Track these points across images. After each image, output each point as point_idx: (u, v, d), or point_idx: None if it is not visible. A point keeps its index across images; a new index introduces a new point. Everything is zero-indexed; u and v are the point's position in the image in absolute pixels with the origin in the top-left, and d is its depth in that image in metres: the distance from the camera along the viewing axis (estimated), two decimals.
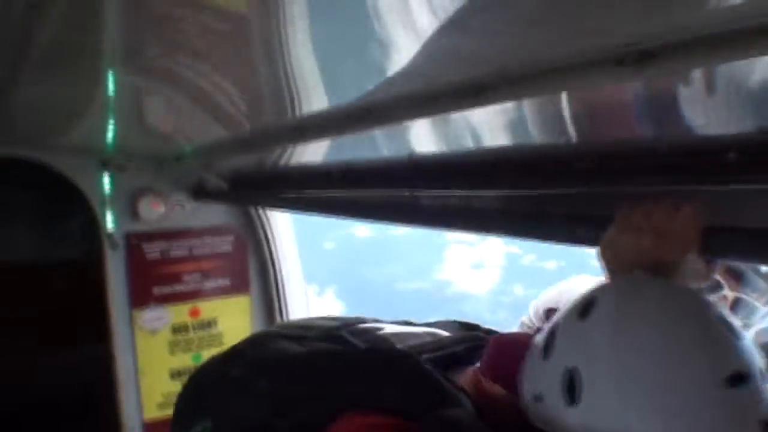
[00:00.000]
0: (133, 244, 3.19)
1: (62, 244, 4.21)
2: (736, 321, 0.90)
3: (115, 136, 2.52)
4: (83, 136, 2.63)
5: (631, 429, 0.83)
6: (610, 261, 1.08)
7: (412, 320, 1.34)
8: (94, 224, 3.17)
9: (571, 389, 0.88)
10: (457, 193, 1.57)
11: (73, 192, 3.12)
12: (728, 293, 1.53)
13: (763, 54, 0.69)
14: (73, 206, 3.38)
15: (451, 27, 0.93)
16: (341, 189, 2.01)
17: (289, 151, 2.15)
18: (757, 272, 1.54)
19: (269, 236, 3.35)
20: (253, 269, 3.40)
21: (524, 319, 1.77)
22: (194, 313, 3.32)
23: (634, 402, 0.83)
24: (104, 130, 2.44)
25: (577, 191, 1.18)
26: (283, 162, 2.33)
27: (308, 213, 2.39)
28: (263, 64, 1.54)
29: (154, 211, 3.16)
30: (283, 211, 3.23)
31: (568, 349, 0.93)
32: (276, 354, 1.15)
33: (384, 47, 1.12)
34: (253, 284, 3.41)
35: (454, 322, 1.36)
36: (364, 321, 1.27)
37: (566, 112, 1.11)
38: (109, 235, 3.13)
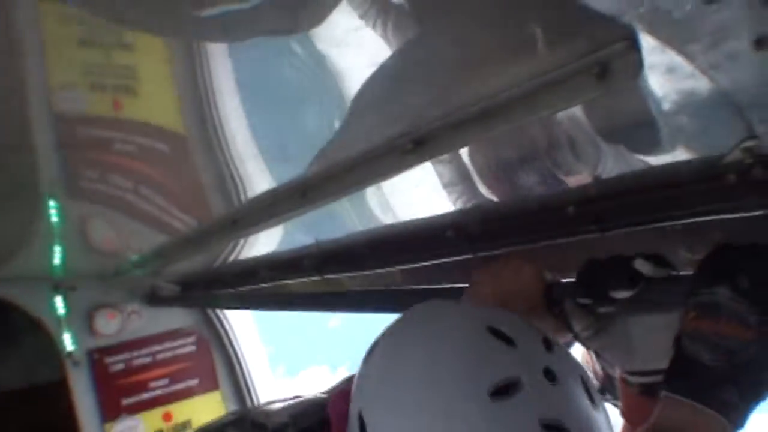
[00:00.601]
0: (95, 359, 3.18)
1: (24, 371, 4.11)
2: (518, 327, 0.88)
3: (63, 260, 2.56)
4: (30, 263, 2.66)
5: None
6: None
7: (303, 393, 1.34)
8: (53, 346, 3.15)
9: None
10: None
11: (27, 318, 3.12)
12: None
13: (505, 124, 0.82)
14: (30, 331, 3.35)
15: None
16: (287, 279, 2.05)
17: (234, 248, 2.21)
18: None
19: (228, 330, 3.37)
20: (219, 364, 3.41)
21: None
22: (167, 417, 3.29)
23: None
24: (51, 256, 2.49)
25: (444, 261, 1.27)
26: (230, 259, 2.38)
27: (257, 309, 2.39)
28: (202, 169, 1.63)
29: (110, 324, 3.18)
30: (232, 309, 3.27)
31: (356, 393, 0.92)
32: None
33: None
34: (222, 379, 3.41)
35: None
36: (259, 408, 1.28)
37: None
38: (70, 355, 3.12)
